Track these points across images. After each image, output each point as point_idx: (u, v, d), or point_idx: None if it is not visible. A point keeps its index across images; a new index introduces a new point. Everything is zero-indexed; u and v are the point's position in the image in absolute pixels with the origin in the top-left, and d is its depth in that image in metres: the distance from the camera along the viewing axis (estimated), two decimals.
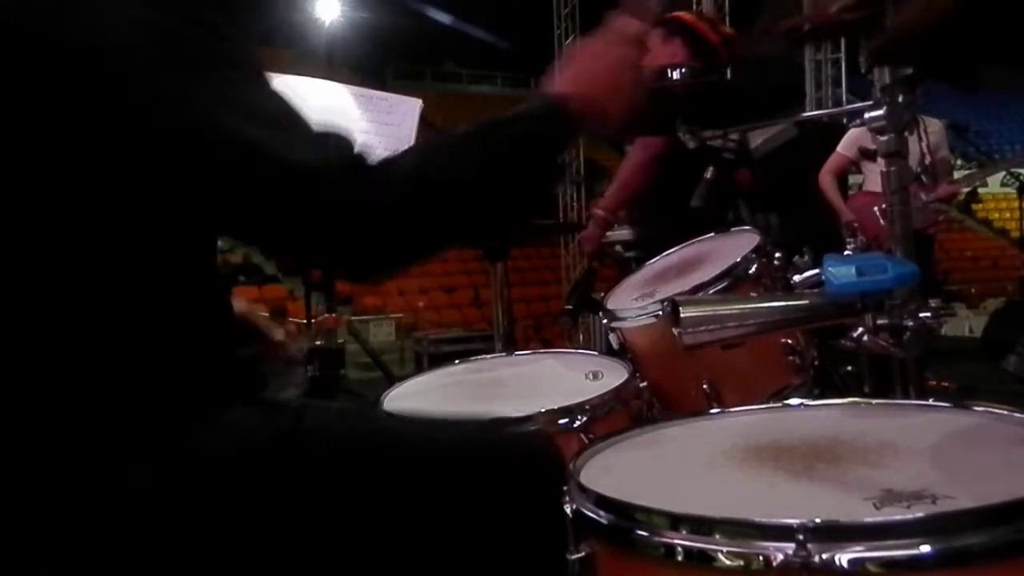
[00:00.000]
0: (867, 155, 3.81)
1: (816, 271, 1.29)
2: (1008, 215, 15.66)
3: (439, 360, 1.78)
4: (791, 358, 1.49)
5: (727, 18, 8.82)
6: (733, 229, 1.81)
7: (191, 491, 0.81)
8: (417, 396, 1.50)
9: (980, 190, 16.57)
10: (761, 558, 0.66)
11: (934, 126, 4.16)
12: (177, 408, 0.83)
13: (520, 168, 0.94)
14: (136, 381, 0.81)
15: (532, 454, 1.03)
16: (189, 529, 0.80)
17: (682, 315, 1.03)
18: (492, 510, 0.95)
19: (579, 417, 1.26)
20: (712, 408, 1.28)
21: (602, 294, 1.80)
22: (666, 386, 1.52)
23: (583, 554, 0.80)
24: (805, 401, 1.09)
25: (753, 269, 1.46)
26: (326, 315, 4.02)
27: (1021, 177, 5.88)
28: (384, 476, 0.92)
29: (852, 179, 5.03)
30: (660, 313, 1.46)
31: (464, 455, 0.98)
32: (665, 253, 1.86)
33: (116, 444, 0.78)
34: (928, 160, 3.85)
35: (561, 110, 0.97)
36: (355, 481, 0.90)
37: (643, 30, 1.06)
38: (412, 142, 2.42)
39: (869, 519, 0.68)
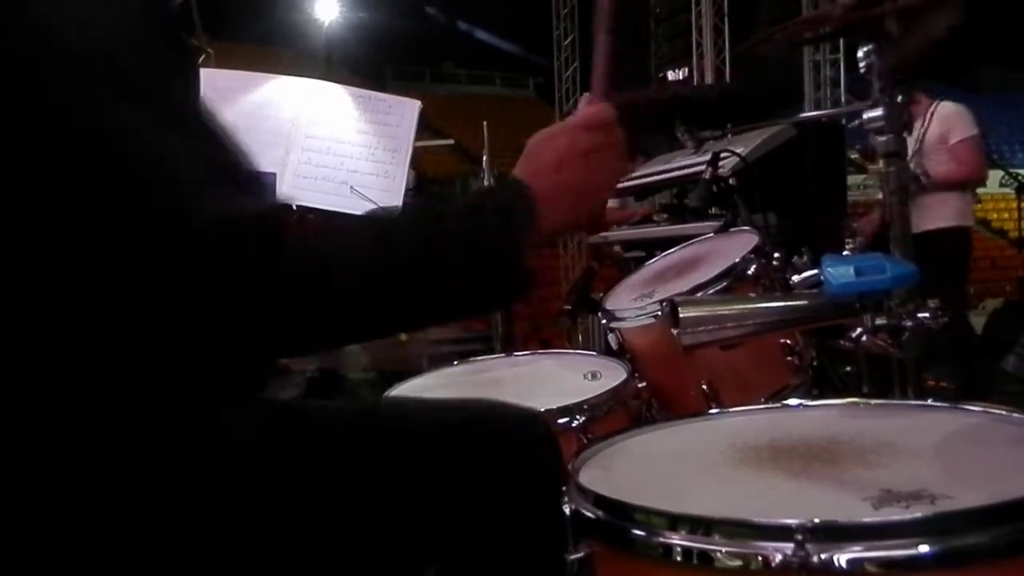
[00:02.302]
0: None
1: (815, 271, 1.29)
2: (1007, 215, 15.65)
3: (438, 360, 1.77)
4: (790, 358, 1.49)
5: (726, 19, 8.82)
6: (732, 229, 1.81)
7: (188, 489, 0.81)
8: (416, 397, 1.49)
9: (979, 190, 16.58)
10: (760, 558, 0.66)
11: (946, 109, 3.78)
12: (174, 407, 0.83)
13: (458, 270, 0.80)
14: (131, 381, 0.81)
15: (531, 449, 1.02)
16: (186, 527, 0.80)
17: (681, 315, 1.03)
18: (491, 510, 0.95)
19: (578, 417, 1.26)
20: (711, 408, 1.28)
21: (601, 294, 1.80)
22: (665, 386, 1.52)
23: (582, 554, 0.80)
24: (804, 401, 1.09)
25: (752, 269, 1.47)
26: None
27: (1020, 177, 5.89)
28: (382, 476, 0.92)
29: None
30: (659, 313, 1.46)
31: (463, 455, 0.98)
32: (664, 253, 1.87)
33: (111, 443, 0.78)
34: (916, 147, 3.70)
35: (522, 213, 0.84)
36: (353, 481, 0.90)
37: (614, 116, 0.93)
38: (411, 143, 2.43)
39: (867, 519, 0.68)
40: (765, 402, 1.24)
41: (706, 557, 0.69)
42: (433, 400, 1.16)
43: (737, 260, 1.47)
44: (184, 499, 0.80)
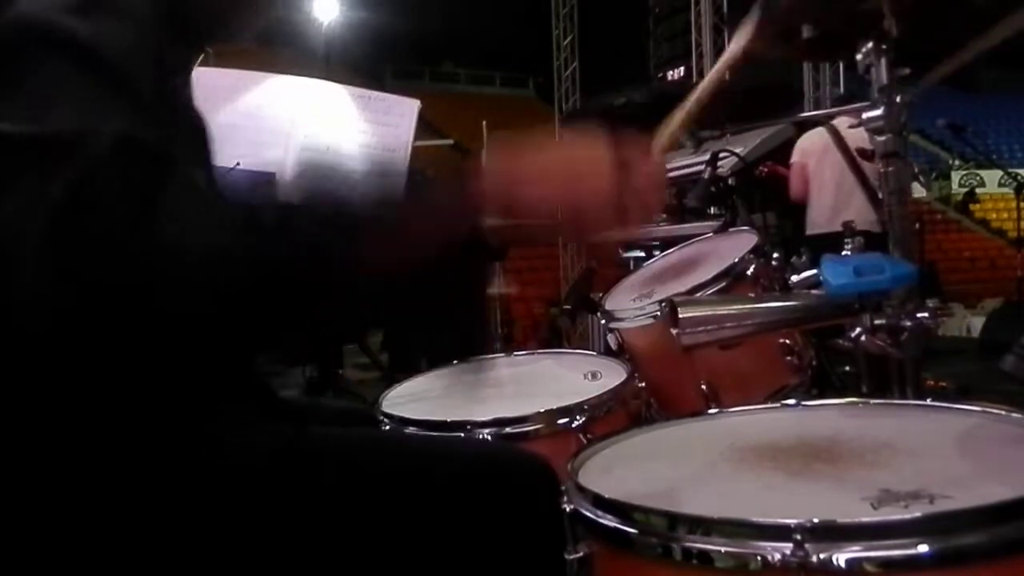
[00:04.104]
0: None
1: (814, 271, 1.29)
2: (1006, 215, 15.65)
3: (438, 360, 1.77)
4: (789, 358, 1.49)
5: (726, 18, 8.82)
6: (731, 229, 1.81)
7: (190, 502, 0.80)
8: (415, 397, 1.49)
9: (978, 190, 16.58)
10: (759, 558, 0.66)
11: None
12: (179, 418, 0.82)
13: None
14: (139, 395, 0.80)
15: (528, 461, 1.03)
16: (185, 540, 0.80)
17: (680, 315, 1.04)
18: (491, 510, 0.95)
19: (577, 417, 1.26)
20: (710, 408, 1.28)
21: (600, 294, 1.80)
22: (664, 386, 1.52)
23: (581, 554, 0.80)
24: (803, 401, 1.09)
25: (751, 269, 1.46)
26: None
27: (1019, 177, 5.89)
28: (383, 478, 0.93)
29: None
30: (658, 313, 1.46)
31: (462, 458, 0.99)
32: (663, 253, 1.87)
33: (122, 452, 0.78)
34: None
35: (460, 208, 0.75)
36: (354, 484, 0.91)
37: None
38: (410, 142, 2.42)
39: (867, 519, 0.68)
40: (765, 402, 1.24)
41: (705, 557, 0.69)
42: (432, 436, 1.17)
43: (736, 260, 1.47)
44: (182, 510, 0.80)
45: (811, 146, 4.18)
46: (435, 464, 0.97)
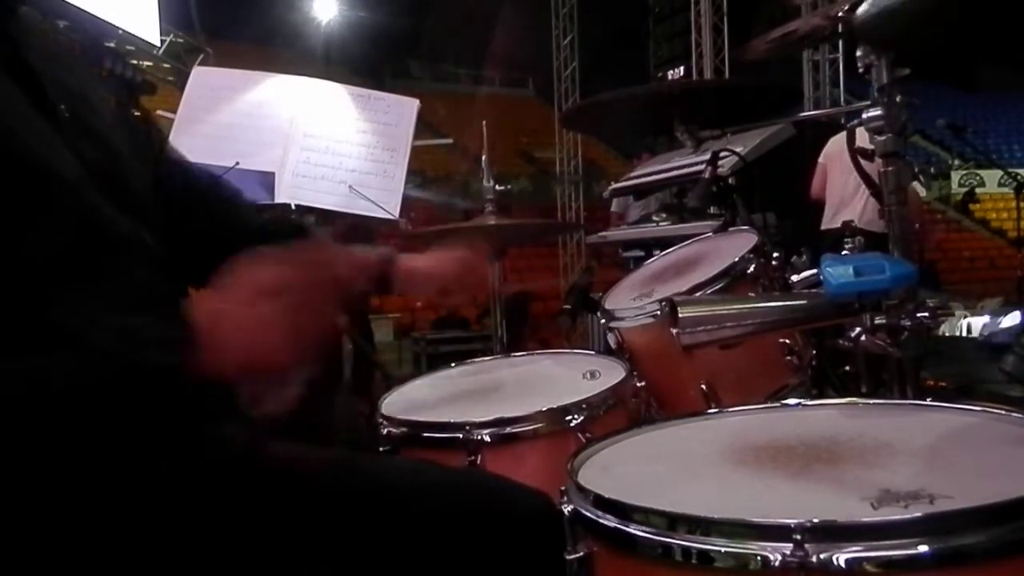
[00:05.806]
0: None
1: (814, 271, 1.29)
2: (1005, 215, 15.68)
3: (437, 360, 1.77)
4: (789, 358, 1.49)
5: (725, 19, 8.82)
6: (731, 229, 1.81)
7: (178, 525, 0.80)
8: (415, 400, 1.49)
9: (978, 190, 16.60)
10: (759, 558, 0.66)
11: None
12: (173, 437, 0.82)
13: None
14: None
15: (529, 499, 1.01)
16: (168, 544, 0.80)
17: (680, 315, 1.04)
18: (491, 513, 0.95)
19: (577, 416, 1.26)
20: (710, 408, 1.28)
21: (600, 294, 1.80)
22: (664, 386, 1.52)
23: (581, 554, 0.80)
24: (803, 401, 1.09)
25: (751, 269, 1.46)
26: None
27: (1019, 177, 5.89)
28: (384, 483, 0.93)
29: None
30: (658, 313, 1.46)
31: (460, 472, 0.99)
32: (663, 253, 1.87)
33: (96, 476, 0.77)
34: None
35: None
36: (356, 491, 0.91)
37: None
38: (409, 142, 2.43)
39: (867, 519, 0.68)
40: (765, 402, 1.24)
41: (705, 557, 0.69)
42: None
43: (736, 260, 1.47)
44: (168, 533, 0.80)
45: (832, 147, 4.43)
46: (434, 473, 0.98)
